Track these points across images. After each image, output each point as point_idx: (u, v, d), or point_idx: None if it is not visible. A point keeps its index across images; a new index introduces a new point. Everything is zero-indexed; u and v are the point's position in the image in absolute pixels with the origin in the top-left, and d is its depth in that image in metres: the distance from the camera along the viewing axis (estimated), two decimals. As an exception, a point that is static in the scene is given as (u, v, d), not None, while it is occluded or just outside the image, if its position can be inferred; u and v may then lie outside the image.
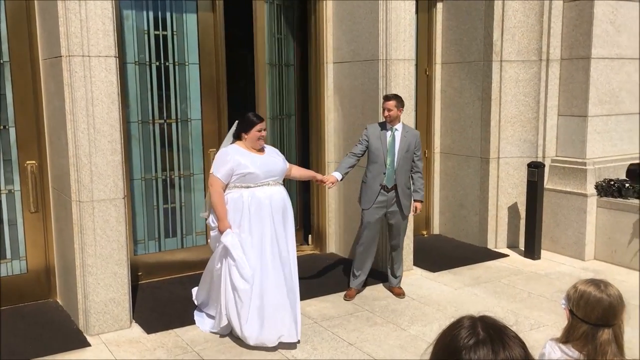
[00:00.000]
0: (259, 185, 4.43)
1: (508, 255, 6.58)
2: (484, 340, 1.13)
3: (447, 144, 7.22)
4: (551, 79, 6.59)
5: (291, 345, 4.33)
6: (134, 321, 4.79)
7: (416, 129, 7.08)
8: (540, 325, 4.74)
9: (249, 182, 4.41)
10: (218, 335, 4.54)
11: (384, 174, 5.15)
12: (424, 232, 7.41)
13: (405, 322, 4.84)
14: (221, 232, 4.40)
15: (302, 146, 6.68)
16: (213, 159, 4.61)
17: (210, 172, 4.49)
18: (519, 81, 6.64)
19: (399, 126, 5.22)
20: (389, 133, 5.19)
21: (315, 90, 6.46)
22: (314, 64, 6.44)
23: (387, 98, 5.19)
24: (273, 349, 4.31)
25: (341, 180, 5.22)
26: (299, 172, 5.07)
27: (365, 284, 5.48)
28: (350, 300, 5.23)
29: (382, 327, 4.74)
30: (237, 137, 4.58)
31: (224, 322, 4.44)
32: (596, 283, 2.08)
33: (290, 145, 6.55)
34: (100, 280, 4.56)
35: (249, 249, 4.37)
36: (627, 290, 5.50)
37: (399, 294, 5.40)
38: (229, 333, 4.52)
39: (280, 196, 4.53)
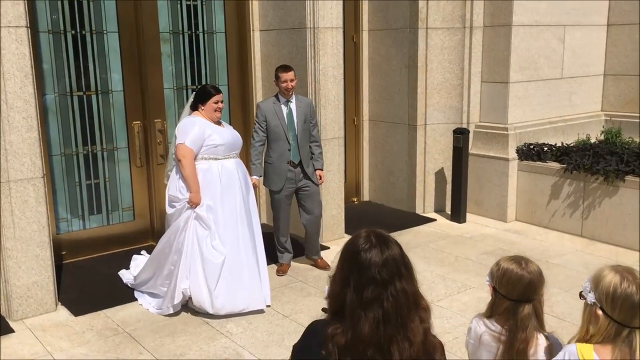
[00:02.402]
0: (226, 157, 4.47)
1: (435, 220, 6.77)
2: (375, 244, 1.61)
3: (376, 111, 7.27)
4: (474, 45, 6.72)
5: (254, 312, 4.43)
6: (59, 304, 4.62)
7: (345, 97, 7.11)
8: (467, 287, 4.92)
9: (217, 154, 4.43)
10: (153, 314, 4.46)
11: (289, 150, 4.99)
12: (355, 199, 7.50)
13: (338, 290, 4.90)
14: (193, 204, 4.32)
15: (242, 116, 6.45)
16: (175, 131, 4.50)
17: (178, 142, 4.34)
18: (444, 48, 6.73)
19: (292, 98, 5.04)
20: (284, 107, 5.00)
21: (241, 59, 6.32)
22: (239, 32, 6.27)
23: (286, 69, 4.95)
24: (210, 323, 4.29)
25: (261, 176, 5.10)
26: None
27: (293, 256, 5.46)
28: (284, 275, 5.23)
29: (315, 297, 4.79)
30: (194, 108, 4.52)
31: (178, 299, 4.37)
32: (517, 260, 2.18)
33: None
34: (22, 263, 4.34)
35: (221, 221, 4.39)
36: (545, 248, 5.83)
37: (325, 266, 5.30)
38: (179, 310, 4.46)
39: (242, 168, 4.63)
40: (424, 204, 7.01)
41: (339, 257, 1.69)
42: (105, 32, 5.51)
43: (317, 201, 5.24)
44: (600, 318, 1.89)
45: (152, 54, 5.74)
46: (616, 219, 5.79)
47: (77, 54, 5.40)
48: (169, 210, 4.49)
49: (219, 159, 4.43)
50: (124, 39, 5.61)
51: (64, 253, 5.47)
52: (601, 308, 1.89)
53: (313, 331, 1.70)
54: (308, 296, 4.81)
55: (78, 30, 5.37)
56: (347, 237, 5.65)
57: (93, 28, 5.45)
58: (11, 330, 4.23)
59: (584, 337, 1.95)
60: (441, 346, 1.70)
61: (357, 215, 6.83)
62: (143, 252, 5.37)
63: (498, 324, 2.17)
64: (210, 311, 4.35)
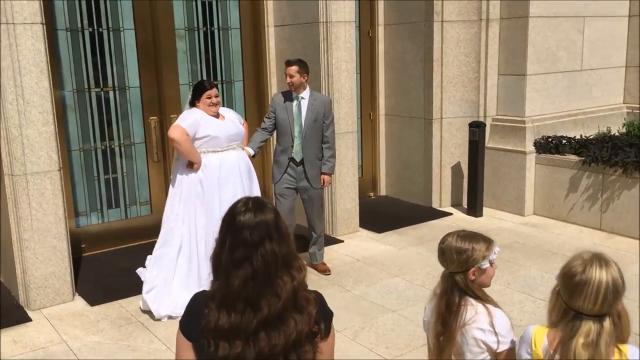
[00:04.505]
0: (225, 150, 4.49)
1: (452, 214, 6.73)
2: (250, 209, 1.74)
3: (392, 105, 7.26)
4: (491, 38, 6.66)
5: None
6: (77, 294, 4.74)
7: (361, 91, 7.12)
8: (480, 280, 4.88)
9: (215, 147, 4.45)
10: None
11: (292, 146, 4.90)
12: (371, 194, 7.50)
13: (350, 283, 4.93)
14: (193, 166, 4.40)
15: (257, 112, 6.46)
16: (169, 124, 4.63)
17: (173, 125, 4.42)
18: (460, 41, 6.69)
19: (305, 94, 4.90)
20: (294, 102, 4.89)
21: (256, 54, 6.37)
22: (254, 28, 6.33)
23: (288, 63, 4.86)
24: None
25: (254, 156, 4.92)
26: None
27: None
28: None
29: (327, 289, 4.82)
30: (192, 104, 4.57)
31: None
32: (452, 235, 2.32)
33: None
34: (39, 254, 4.47)
35: (208, 213, 4.40)
36: (563, 242, 5.75)
37: (324, 270, 5.13)
38: None
39: (245, 160, 4.63)
40: (441, 198, 6.98)
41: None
42: (121, 29, 5.62)
43: (316, 206, 5.08)
44: (555, 297, 1.91)
45: (168, 50, 5.84)
46: (635, 211, 5.68)
47: (95, 51, 5.52)
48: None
49: (217, 152, 4.45)
50: (140, 36, 5.71)
51: (83, 246, 5.60)
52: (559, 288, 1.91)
53: (194, 299, 1.81)
54: (319, 288, 4.73)
55: (95, 27, 5.49)
56: (362, 231, 5.67)
57: (110, 25, 5.56)
58: (29, 319, 4.35)
59: (550, 318, 1.94)
60: (315, 300, 1.78)
61: (373, 210, 6.84)
62: None
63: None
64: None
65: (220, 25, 6.19)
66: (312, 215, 5.10)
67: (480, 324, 2.17)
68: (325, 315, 1.81)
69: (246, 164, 4.61)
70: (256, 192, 4.68)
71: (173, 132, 4.35)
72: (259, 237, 1.69)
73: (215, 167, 4.44)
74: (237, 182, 4.50)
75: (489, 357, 2.19)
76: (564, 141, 6.40)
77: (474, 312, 2.18)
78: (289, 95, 4.96)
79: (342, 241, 5.91)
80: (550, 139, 6.45)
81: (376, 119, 7.37)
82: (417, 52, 6.81)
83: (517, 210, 6.58)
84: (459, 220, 6.51)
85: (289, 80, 4.84)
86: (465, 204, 6.83)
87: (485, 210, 6.68)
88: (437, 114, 6.79)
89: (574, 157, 6.19)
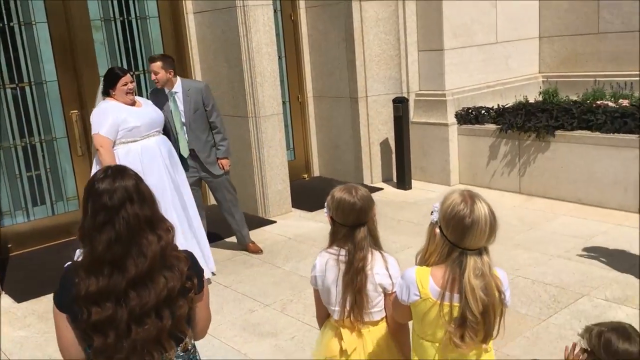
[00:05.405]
0: (145, 137, 4.38)
1: (382, 189, 6.91)
2: (109, 175, 1.78)
3: (319, 87, 7.37)
4: (409, 15, 6.84)
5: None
6: (3, 293, 4.67)
7: (287, 75, 7.19)
8: (406, 247, 5.04)
9: (135, 136, 4.32)
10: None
11: (177, 142, 4.79)
12: (305, 176, 7.60)
13: (280, 260, 5.02)
14: None
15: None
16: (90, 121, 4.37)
17: (94, 133, 4.24)
18: (379, 20, 6.84)
19: (177, 87, 4.77)
20: (170, 97, 4.76)
21: (177, 43, 6.36)
22: (173, 16, 6.31)
23: (151, 60, 4.73)
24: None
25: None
26: None
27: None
28: None
29: (258, 267, 4.90)
30: (106, 93, 4.41)
31: None
32: (349, 189, 2.29)
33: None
34: (-42, 255, 4.38)
35: None
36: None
37: (256, 250, 5.18)
38: None
39: (167, 144, 4.54)
40: (372, 175, 7.14)
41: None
42: (33, 22, 5.51)
43: (224, 189, 5.03)
44: (437, 236, 2.02)
45: (84, 42, 5.76)
46: (550, 173, 5.98)
47: (7, 46, 5.40)
48: None
49: (137, 141, 4.33)
50: (54, 29, 5.61)
51: (9, 246, 5.49)
52: (440, 227, 2.01)
53: (65, 271, 1.84)
54: (251, 267, 4.92)
55: (5, 22, 5.37)
56: (295, 211, 5.75)
57: (21, 19, 5.45)
58: (-48, 321, 4.27)
59: (425, 255, 2.08)
60: (186, 258, 1.84)
61: (305, 190, 6.94)
62: None
63: (339, 247, 2.31)
64: None
65: (138, 14, 6.14)
66: (223, 199, 5.04)
67: (377, 268, 2.28)
68: (197, 272, 1.87)
69: (167, 148, 4.51)
70: (182, 177, 4.59)
71: (98, 142, 4.22)
72: (119, 201, 1.74)
73: (137, 155, 4.34)
74: (161, 166, 4.40)
75: (382, 301, 2.31)
76: (482, 111, 6.65)
77: (371, 258, 2.28)
78: (162, 92, 4.80)
79: (275, 222, 5.99)
80: (470, 110, 6.69)
81: (305, 102, 7.46)
82: (339, 33, 6.93)
83: (443, 180, 6.80)
84: (390, 194, 6.70)
85: (154, 77, 4.71)
86: (395, 179, 7.02)
87: (414, 183, 6.88)
88: (362, 92, 6.93)
89: (492, 126, 6.45)
